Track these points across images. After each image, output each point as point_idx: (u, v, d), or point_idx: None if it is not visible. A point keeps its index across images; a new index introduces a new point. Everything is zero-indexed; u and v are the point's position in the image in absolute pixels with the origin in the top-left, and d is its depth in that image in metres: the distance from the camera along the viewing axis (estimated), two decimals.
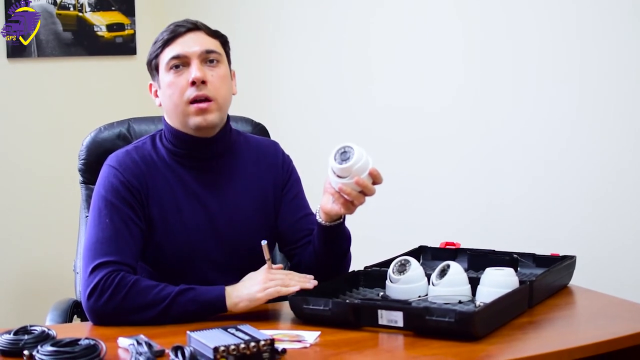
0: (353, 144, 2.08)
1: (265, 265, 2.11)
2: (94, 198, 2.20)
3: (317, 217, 2.20)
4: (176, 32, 2.22)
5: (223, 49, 2.27)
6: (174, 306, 2.02)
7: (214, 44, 2.24)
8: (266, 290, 2.04)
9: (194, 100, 2.18)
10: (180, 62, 2.20)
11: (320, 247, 2.22)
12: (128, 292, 2.03)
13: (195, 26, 2.24)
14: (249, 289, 2.05)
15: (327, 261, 2.24)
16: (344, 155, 2.07)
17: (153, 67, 2.26)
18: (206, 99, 2.18)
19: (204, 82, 2.18)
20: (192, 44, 2.21)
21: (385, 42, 3.65)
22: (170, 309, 2.02)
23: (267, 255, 2.11)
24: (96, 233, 2.13)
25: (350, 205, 2.11)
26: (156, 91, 2.27)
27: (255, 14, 4.03)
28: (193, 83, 2.17)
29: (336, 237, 2.21)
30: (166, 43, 2.22)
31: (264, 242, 2.11)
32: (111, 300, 2.03)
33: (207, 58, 2.21)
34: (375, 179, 2.08)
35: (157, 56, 2.23)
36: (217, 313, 2.04)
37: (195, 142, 2.23)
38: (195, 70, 2.18)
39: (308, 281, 2.08)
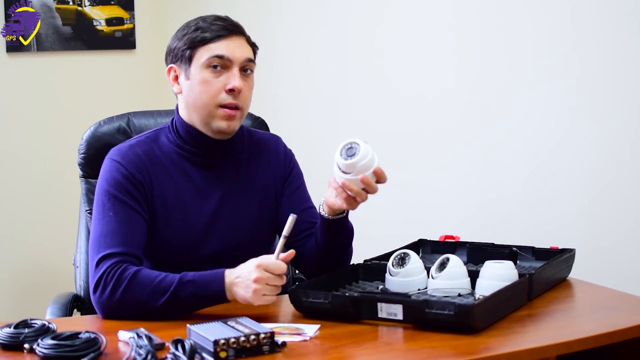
0: (360, 140, 2.07)
1: (263, 259, 2.01)
2: (97, 192, 2.19)
3: (321, 210, 2.20)
4: (225, 31, 2.19)
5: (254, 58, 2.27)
6: (174, 301, 2.01)
7: (251, 54, 2.23)
8: (263, 298, 1.99)
9: (225, 106, 2.18)
10: (222, 64, 2.17)
11: (323, 240, 2.22)
12: (128, 286, 2.02)
13: (239, 30, 2.22)
14: (245, 291, 1.98)
15: (329, 254, 2.24)
16: (349, 151, 2.07)
17: (186, 56, 2.19)
18: (236, 107, 2.18)
19: (239, 92, 2.17)
20: (236, 49, 2.18)
21: (385, 34, 3.65)
22: (170, 304, 2.01)
23: (286, 231, 2.01)
24: (100, 227, 2.13)
25: (353, 201, 2.11)
26: (176, 77, 2.23)
27: (255, 5, 4.02)
28: (231, 90, 2.16)
29: (339, 230, 2.22)
30: (214, 38, 2.18)
31: (292, 216, 2.01)
32: (114, 294, 2.03)
33: (245, 67, 2.20)
34: (380, 178, 2.08)
35: (194, 47, 2.18)
36: (217, 304, 2.04)
37: (207, 142, 2.22)
38: (237, 80, 2.16)
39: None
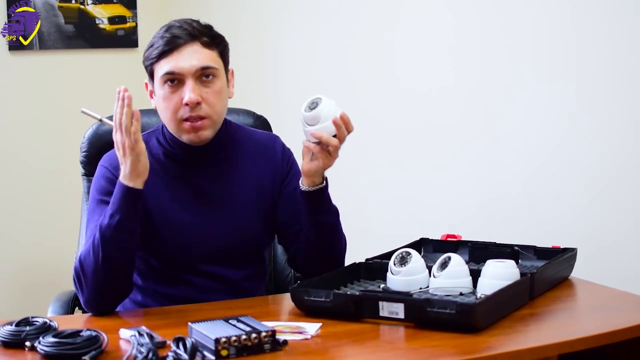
0: (322, 95, 2.12)
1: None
2: (89, 200, 2.22)
3: (300, 186, 2.19)
4: (173, 43, 2.14)
5: (221, 58, 2.19)
6: (108, 234, 2.01)
7: (210, 58, 2.16)
8: (136, 153, 2.02)
9: (187, 119, 2.15)
10: (175, 78, 2.14)
11: (308, 221, 2.20)
12: (82, 272, 2.04)
13: (192, 37, 2.15)
14: (127, 166, 2.03)
15: (317, 239, 2.22)
16: (313, 104, 2.12)
17: (149, 73, 2.20)
18: (200, 118, 2.15)
19: (198, 103, 2.13)
20: (188, 59, 2.13)
21: (388, 35, 3.65)
22: (109, 242, 2.01)
23: (94, 116, 2.04)
24: (86, 232, 2.15)
25: (327, 154, 2.12)
26: (152, 92, 2.23)
27: (259, 3, 4.02)
28: (187, 104, 2.13)
29: (321, 205, 2.19)
30: (163, 54, 2.14)
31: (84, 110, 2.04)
32: (82, 289, 2.05)
33: (202, 74, 2.14)
34: (347, 125, 2.10)
35: (152, 64, 2.17)
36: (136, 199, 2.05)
37: (189, 149, 2.22)
38: (189, 92, 2.12)
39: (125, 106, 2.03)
